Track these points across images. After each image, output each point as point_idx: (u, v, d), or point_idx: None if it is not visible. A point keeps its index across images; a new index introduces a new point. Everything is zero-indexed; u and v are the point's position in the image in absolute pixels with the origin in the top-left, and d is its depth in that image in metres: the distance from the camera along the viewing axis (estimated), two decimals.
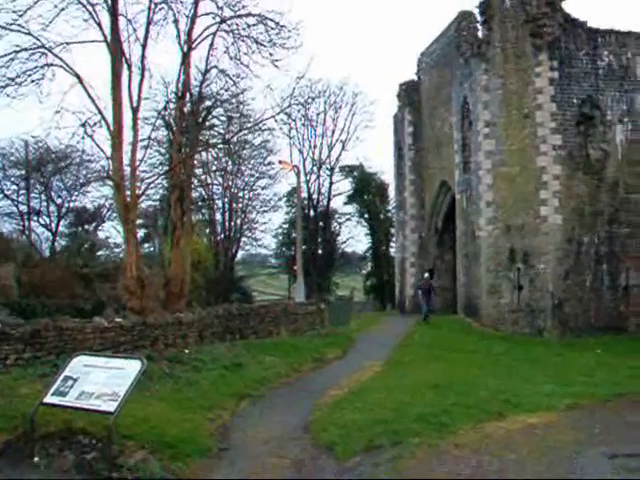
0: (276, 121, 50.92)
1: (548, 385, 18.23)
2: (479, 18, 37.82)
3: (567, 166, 35.48)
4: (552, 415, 14.14)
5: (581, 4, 43.61)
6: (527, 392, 16.86)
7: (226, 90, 31.12)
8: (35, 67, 24.17)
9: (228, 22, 27.10)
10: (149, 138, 30.71)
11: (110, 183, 29.53)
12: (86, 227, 62.05)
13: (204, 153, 39.47)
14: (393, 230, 60.08)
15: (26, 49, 23.92)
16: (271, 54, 27.24)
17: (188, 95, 28.43)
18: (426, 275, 41.82)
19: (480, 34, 37.67)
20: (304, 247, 52.97)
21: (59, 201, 57.31)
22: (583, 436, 12.44)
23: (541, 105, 35.52)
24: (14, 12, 23.48)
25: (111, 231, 68.65)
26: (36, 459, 10.82)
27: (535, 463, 10.67)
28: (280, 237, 69.39)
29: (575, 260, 35.33)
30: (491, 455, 11.15)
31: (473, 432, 12.61)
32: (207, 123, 34.94)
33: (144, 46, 25.74)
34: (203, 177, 45.05)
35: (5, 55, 23.72)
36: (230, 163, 52.81)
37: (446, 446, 11.71)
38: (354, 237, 72.50)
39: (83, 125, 24.48)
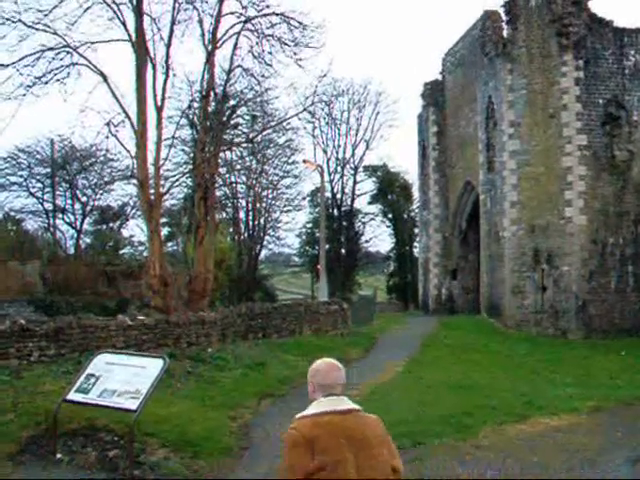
0: (300, 120, 51.04)
1: (571, 387, 18.12)
2: (504, 17, 37.58)
3: (592, 167, 35.21)
4: (575, 418, 14.06)
5: (607, 3, 43.29)
6: (550, 394, 16.77)
7: (250, 89, 31.22)
8: (61, 66, 24.36)
9: (252, 21, 27.17)
10: (173, 137, 30.85)
11: (134, 182, 29.65)
12: (110, 225, 62.29)
13: (228, 152, 39.51)
14: (417, 230, 59.97)
15: (52, 48, 24.10)
16: (295, 53, 27.30)
17: (212, 94, 28.49)
18: None
19: (505, 33, 37.44)
20: (327, 246, 52.90)
21: (84, 199, 57.57)
22: (606, 440, 12.35)
23: (566, 105, 35.28)
24: (40, 11, 23.67)
25: (135, 229, 69.10)
26: (59, 455, 10.89)
27: (557, 466, 10.61)
28: (304, 236, 69.39)
29: (600, 261, 35.07)
30: (513, 457, 11.10)
31: (495, 434, 12.56)
32: (231, 122, 34.99)
33: (168, 45, 25.86)
34: (227, 176, 45.10)
35: (31, 54, 23.93)
36: (254, 162, 52.90)
37: (467, 448, 11.67)
38: (377, 237, 72.54)
39: (108, 124, 24.63)
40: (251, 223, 60.66)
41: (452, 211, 47.84)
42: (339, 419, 4.81)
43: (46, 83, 24.32)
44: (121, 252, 61.14)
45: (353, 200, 68.05)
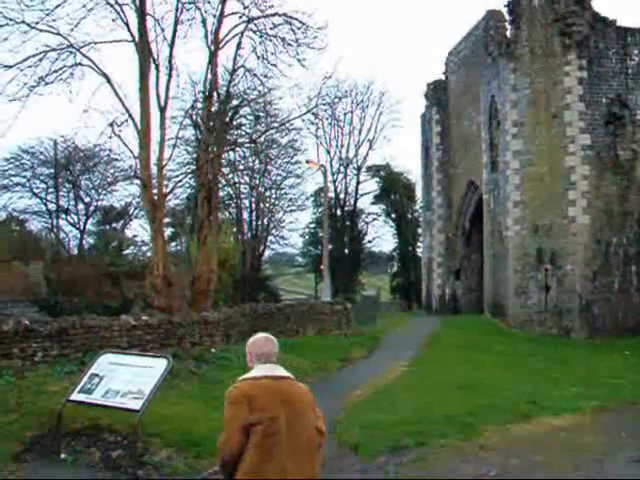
0: (303, 120, 50.96)
1: (575, 387, 18.10)
2: (507, 17, 37.60)
3: (596, 166, 35.20)
4: (578, 418, 14.05)
5: (611, 3, 43.25)
6: (553, 394, 16.76)
7: (253, 89, 31.22)
8: (64, 66, 24.34)
9: (255, 22, 27.18)
10: (176, 137, 30.78)
11: (137, 182, 29.63)
12: (114, 225, 62.35)
13: (231, 152, 39.61)
14: (420, 230, 59.99)
15: (55, 49, 24.10)
16: (298, 54, 27.30)
17: (215, 94, 28.47)
18: None
19: (508, 33, 37.44)
20: (331, 247, 52.96)
21: (87, 199, 57.66)
22: (609, 439, 12.34)
23: (569, 105, 35.26)
24: (42, 11, 23.67)
25: (138, 229, 69.06)
26: (63, 455, 10.91)
27: (561, 466, 10.60)
28: (307, 236, 69.38)
29: (603, 261, 35.06)
30: (517, 457, 11.09)
31: (498, 434, 12.55)
32: (234, 122, 35.00)
33: (172, 46, 25.86)
34: (230, 176, 45.13)
35: (35, 55, 23.93)
36: (257, 162, 52.94)
37: (471, 447, 11.67)
38: (381, 237, 72.42)
39: (111, 124, 24.61)
40: (254, 223, 60.69)
41: (455, 211, 47.86)
42: (275, 383, 5.60)
43: (49, 84, 24.33)
44: (124, 252, 61.10)
45: (356, 200, 68.10)
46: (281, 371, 5.82)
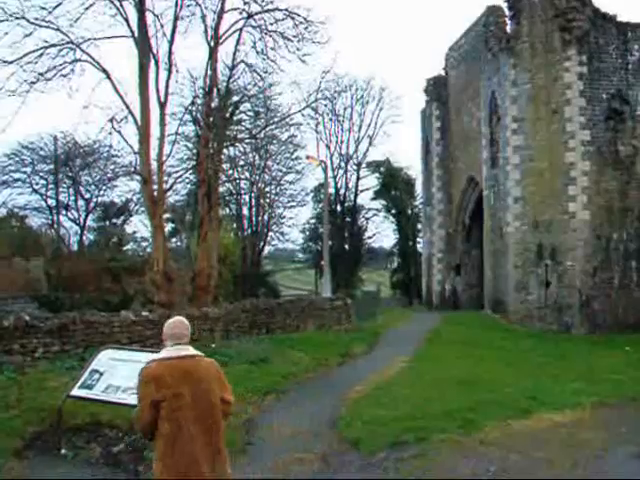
0: (303, 116, 51.05)
1: (575, 383, 18.09)
2: (507, 12, 37.59)
3: (596, 162, 35.19)
4: (579, 413, 14.03)
5: None
6: (554, 389, 16.75)
7: (253, 85, 31.23)
8: (64, 62, 24.41)
9: (255, 17, 27.16)
10: (176, 133, 30.86)
11: (138, 178, 29.65)
12: (114, 221, 62.42)
13: (231, 148, 39.53)
14: (420, 226, 59.97)
15: (55, 45, 24.14)
16: (298, 49, 27.31)
17: (215, 90, 28.50)
18: None
19: (508, 29, 37.43)
20: (331, 242, 52.91)
21: (87, 195, 57.69)
22: (610, 435, 12.33)
23: (570, 100, 35.23)
24: (43, 9, 23.69)
25: (139, 225, 68.98)
26: (63, 451, 10.92)
27: (562, 462, 10.59)
28: (307, 232, 69.43)
29: (604, 257, 35.06)
30: (517, 453, 11.08)
31: (499, 429, 12.53)
32: (234, 118, 35.03)
33: (171, 42, 25.91)
34: (230, 172, 45.09)
35: (35, 51, 23.94)
36: (257, 158, 52.90)
37: (472, 443, 11.65)
38: (381, 232, 72.53)
39: (111, 120, 24.65)
40: (254, 219, 60.75)
41: (456, 207, 47.84)
42: (180, 362, 6.37)
43: (49, 80, 24.34)
44: (125, 248, 61.24)
45: (356, 196, 68.20)
46: (188, 351, 6.60)
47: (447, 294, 48.21)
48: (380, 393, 16.47)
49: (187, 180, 45.48)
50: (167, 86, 25.89)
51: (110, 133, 25.32)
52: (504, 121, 37.15)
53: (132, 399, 10.72)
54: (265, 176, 57.43)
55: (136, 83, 25.10)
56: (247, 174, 54.84)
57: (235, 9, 27.39)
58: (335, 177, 65.87)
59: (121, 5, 24.66)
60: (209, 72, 27.73)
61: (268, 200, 60.99)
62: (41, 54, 24.03)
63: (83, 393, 11.31)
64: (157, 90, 25.51)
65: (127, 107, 24.67)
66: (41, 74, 24.05)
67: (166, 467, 6.04)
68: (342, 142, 66.11)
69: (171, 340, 6.63)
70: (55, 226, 56.05)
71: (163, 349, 6.63)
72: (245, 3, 26.98)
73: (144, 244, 60.18)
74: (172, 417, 6.09)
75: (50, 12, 23.67)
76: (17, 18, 23.51)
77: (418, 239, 64.82)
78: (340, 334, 27.79)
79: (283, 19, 27.10)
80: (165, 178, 26.91)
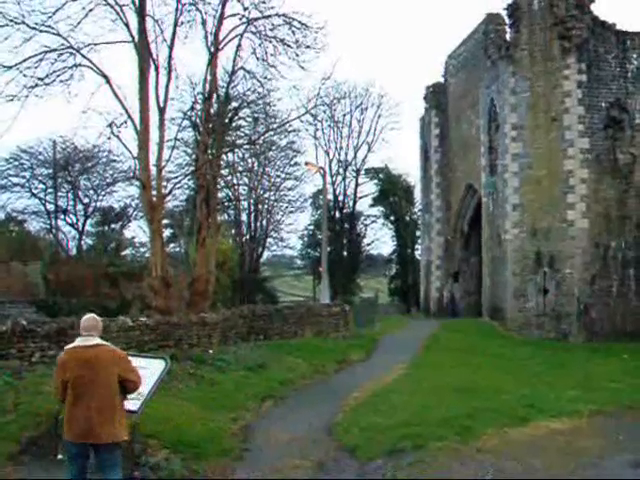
0: (302, 122, 50.95)
1: (573, 390, 18.07)
2: (507, 20, 37.65)
3: (594, 170, 35.24)
4: (576, 421, 14.01)
5: (610, 7, 43.27)
6: (551, 397, 16.73)
7: (253, 91, 31.21)
8: (64, 67, 24.33)
9: (255, 23, 27.17)
10: (175, 138, 30.78)
11: (136, 183, 29.64)
12: (112, 226, 62.40)
13: (230, 154, 39.58)
14: (419, 233, 59.96)
15: (55, 50, 24.09)
16: (297, 55, 27.29)
17: (215, 96, 28.48)
18: None
19: (508, 37, 37.48)
20: (329, 249, 52.90)
21: (86, 200, 57.66)
22: (607, 443, 12.32)
23: (569, 108, 35.31)
24: (43, 14, 23.68)
25: (137, 231, 68.93)
26: (60, 456, 10.87)
27: (558, 469, 10.59)
28: (305, 238, 69.39)
29: (602, 265, 35.10)
30: (514, 460, 11.07)
31: (496, 437, 12.51)
32: (233, 124, 35.02)
33: (171, 47, 25.88)
34: (229, 178, 45.08)
35: (34, 55, 23.91)
36: (256, 164, 52.94)
37: (469, 450, 11.64)
38: (379, 239, 72.37)
39: (110, 125, 24.59)
40: (253, 225, 60.81)
41: (454, 214, 47.83)
42: (84, 350, 8.13)
43: (49, 84, 24.31)
44: (123, 253, 61.22)
45: (355, 202, 68.26)
46: (93, 341, 8.23)
47: (445, 301, 48.17)
48: (377, 400, 16.45)
49: (186, 186, 45.56)
50: (167, 91, 25.88)
51: (109, 138, 25.25)
52: (503, 129, 37.19)
53: (129, 404, 10.70)
54: (264, 182, 57.51)
55: (136, 88, 25.08)
56: (246, 180, 54.96)
57: (235, 15, 27.39)
58: (334, 183, 65.92)
59: (121, 10, 24.63)
60: (209, 78, 27.71)
61: (267, 206, 61.05)
62: (41, 59, 23.99)
63: None
64: (157, 95, 25.49)
65: (126, 112, 24.63)
66: (41, 79, 24.02)
67: (68, 423, 8.10)
68: (341, 148, 66.23)
69: (84, 331, 8.30)
70: (53, 231, 56.08)
71: (77, 338, 8.33)
72: (245, 9, 27.00)
73: (142, 249, 60.12)
74: (74, 393, 8.03)
75: (50, 17, 23.66)
76: (17, 23, 23.48)
77: (416, 246, 64.82)
78: (338, 341, 27.75)
79: (282, 25, 27.11)
80: (164, 183, 26.85)
